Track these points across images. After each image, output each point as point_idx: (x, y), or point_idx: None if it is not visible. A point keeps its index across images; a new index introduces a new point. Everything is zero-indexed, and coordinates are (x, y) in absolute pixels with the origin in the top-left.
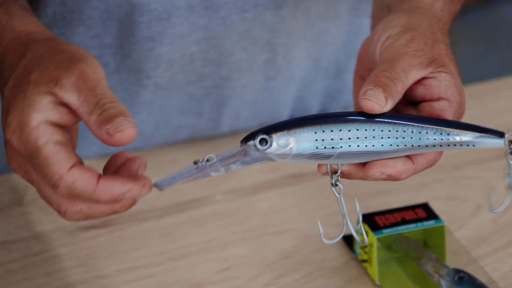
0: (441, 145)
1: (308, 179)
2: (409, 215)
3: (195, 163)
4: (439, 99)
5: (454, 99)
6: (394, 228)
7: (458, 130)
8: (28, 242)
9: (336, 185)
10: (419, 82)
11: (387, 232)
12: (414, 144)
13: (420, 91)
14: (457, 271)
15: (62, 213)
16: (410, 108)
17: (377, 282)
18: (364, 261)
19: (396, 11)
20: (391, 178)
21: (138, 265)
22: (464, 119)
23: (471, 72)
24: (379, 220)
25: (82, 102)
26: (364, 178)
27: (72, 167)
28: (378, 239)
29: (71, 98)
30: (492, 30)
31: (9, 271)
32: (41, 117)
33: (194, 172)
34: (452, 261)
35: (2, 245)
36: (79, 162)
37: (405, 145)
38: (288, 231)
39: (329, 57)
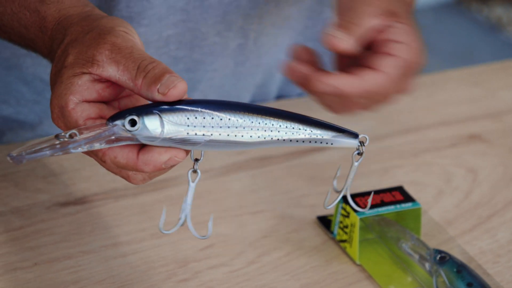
0: (303, 141)
1: (275, 162)
2: (387, 197)
3: (57, 137)
4: (392, 41)
5: (406, 41)
6: (375, 210)
7: (320, 129)
8: (7, 217)
9: (195, 171)
10: (379, 31)
11: (368, 213)
12: (280, 138)
13: (378, 37)
14: (438, 251)
15: (127, 179)
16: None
17: (357, 262)
18: (342, 241)
19: None
20: (338, 90)
21: (121, 241)
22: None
23: None
24: (360, 201)
25: (122, 71)
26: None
27: None
28: (361, 219)
29: (110, 71)
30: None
31: None
32: (77, 98)
33: (56, 150)
34: (426, 241)
35: None
36: None
37: (271, 138)
38: (263, 212)
39: (289, 41)
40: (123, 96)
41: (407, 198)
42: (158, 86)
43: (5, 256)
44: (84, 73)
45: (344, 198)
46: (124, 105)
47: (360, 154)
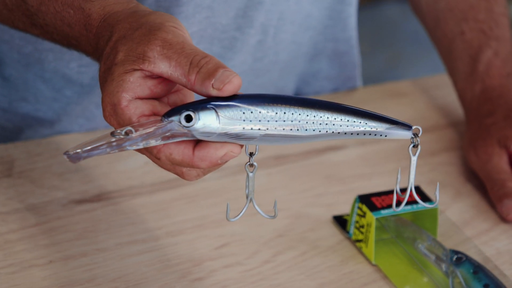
0: (358, 134)
1: (292, 160)
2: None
3: (113, 134)
4: None
5: None
6: (391, 210)
7: (374, 121)
8: (23, 214)
9: (252, 165)
10: None
11: (385, 212)
12: (335, 131)
13: None
14: (455, 252)
15: (181, 176)
16: None
17: (373, 262)
18: (358, 241)
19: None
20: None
21: (137, 239)
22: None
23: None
24: (376, 201)
25: (175, 67)
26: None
27: None
28: (377, 219)
29: (162, 67)
30: (377, 30)
31: (9, 241)
32: (130, 95)
33: (112, 147)
34: (443, 242)
35: None
36: None
37: (327, 132)
38: (279, 211)
39: (309, 41)
40: (173, 91)
41: (424, 198)
42: (212, 81)
43: (20, 253)
44: (135, 69)
45: (360, 198)
46: (173, 100)
47: (415, 146)
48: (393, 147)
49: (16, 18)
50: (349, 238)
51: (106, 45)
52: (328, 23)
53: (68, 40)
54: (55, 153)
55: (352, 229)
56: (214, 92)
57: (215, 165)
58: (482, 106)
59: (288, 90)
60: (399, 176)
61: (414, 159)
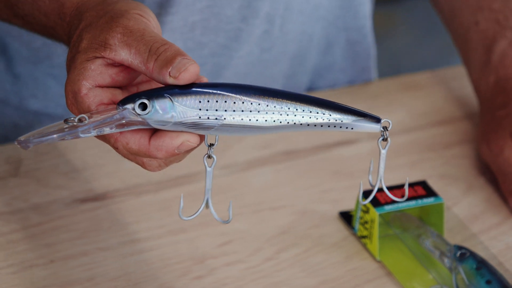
0: (321, 125)
1: (301, 156)
2: (408, 192)
3: (66, 121)
4: None
5: None
6: (395, 205)
7: (339, 113)
8: (26, 214)
9: (210, 157)
10: None
11: (388, 208)
12: (297, 122)
13: None
14: (458, 248)
15: (142, 166)
16: None
17: (377, 258)
18: (363, 237)
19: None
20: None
21: (139, 238)
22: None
23: (411, 58)
24: (380, 197)
25: (134, 55)
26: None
27: None
28: (380, 215)
29: (122, 55)
30: (431, 17)
31: (11, 242)
32: (90, 83)
33: (64, 133)
34: (449, 237)
35: (0, 215)
36: None
37: (288, 123)
38: (284, 207)
39: (321, 32)
40: (143, 81)
41: (430, 193)
42: (169, 69)
43: (22, 253)
44: (97, 57)
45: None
46: (144, 90)
47: (385, 139)
48: (403, 142)
49: (0, 10)
50: (354, 234)
51: (74, 33)
52: (339, 13)
53: (47, 30)
54: (63, 151)
55: (357, 225)
56: (170, 80)
57: (172, 155)
58: (496, 97)
59: (300, 82)
60: (371, 166)
61: (383, 152)
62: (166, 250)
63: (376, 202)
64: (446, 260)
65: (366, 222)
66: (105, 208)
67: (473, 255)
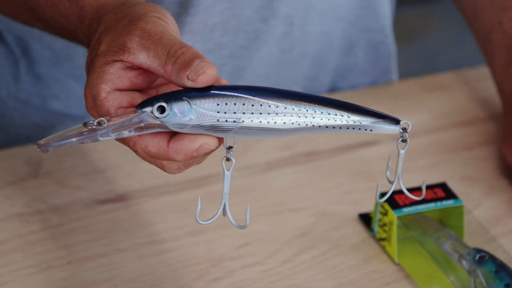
0: (340, 127)
1: (321, 157)
2: (428, 194)
3: (85, 125)
4: None
5: None
6: (414, 207)
7: (358, 115)
8: (46, 215)
9: (229, 160)
10: None
11: (407, 211)
12: (315, 125)
13: None
14: (478, 251)
15: (162, 169)
16: None
17: (396, 261)
18: (382, 239)
19: None
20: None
21: (157, 239)
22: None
23: (445, 57)
24: (399, 199)
25: (153, 58)
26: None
27: None
28: (399, 218)
29: (141, 58)
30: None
31: (29, 243)
32: (109, 87)
33: (83, 137)
34: (470, 240)
35: (20, 217)
36: None
37: (306, 125)
38: (304, 209)
39: (341, 33)
40: (162, 84)
41: (450, 195)
42: (187, 72)
43: (40, 254)
44: (115, 60)
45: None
46: (163, 93)
47: (404, 141)
48: (424, 143)
49: (22, 13)
50: (373, 237)
51: (93, 36)
52: (359, 14)
53: (68, 33)
54: (83, 153)
55: (376, 227)
56: (188, 83)
57: (191, 158)
58: None
59: (322, 84)
60: (389, 162)
61: (402, 152)
62: (184, 251)
63: (394, 204)
64: (465, 263)
65: (384, 224)
66: (124, 209)
67: (492, 258)
